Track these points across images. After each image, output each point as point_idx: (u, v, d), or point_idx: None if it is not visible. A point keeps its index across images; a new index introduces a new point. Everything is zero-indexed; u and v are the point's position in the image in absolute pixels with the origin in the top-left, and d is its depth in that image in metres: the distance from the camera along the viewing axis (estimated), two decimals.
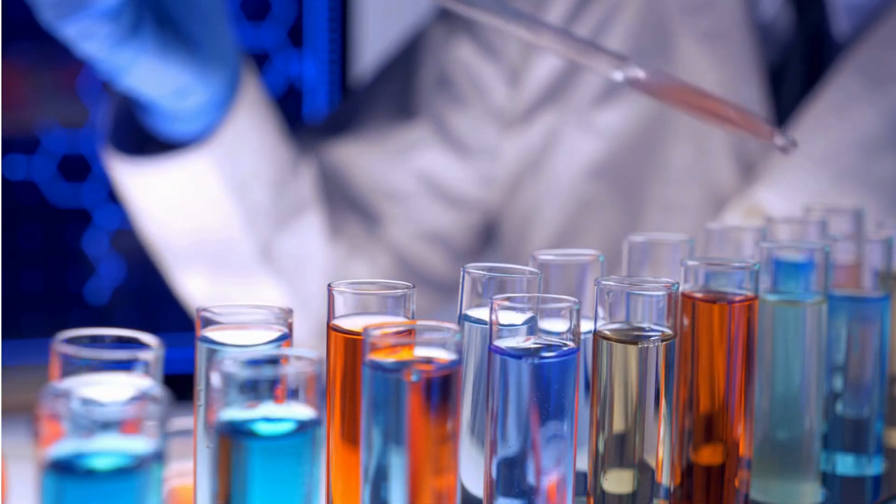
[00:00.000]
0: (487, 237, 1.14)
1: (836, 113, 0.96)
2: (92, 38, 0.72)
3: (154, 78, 0.79)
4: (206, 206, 0.94)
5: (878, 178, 0.94)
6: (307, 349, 0.48)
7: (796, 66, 1.01)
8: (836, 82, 0.97)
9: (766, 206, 0.93)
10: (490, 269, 0.58)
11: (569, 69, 1.06)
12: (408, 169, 1.08)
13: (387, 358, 0.50)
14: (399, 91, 1.09)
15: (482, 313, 0.57)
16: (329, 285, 0.57)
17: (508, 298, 0.55)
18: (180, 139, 0.91)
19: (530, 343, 0.54)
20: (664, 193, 1.02)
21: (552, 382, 0.53)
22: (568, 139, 1.06)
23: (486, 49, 1.08)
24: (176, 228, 0.96)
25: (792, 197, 0.91)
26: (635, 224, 1.02)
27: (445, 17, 1.10)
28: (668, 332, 0.56)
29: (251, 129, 0.92)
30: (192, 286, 1.01)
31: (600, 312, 0.56)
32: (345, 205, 1.08)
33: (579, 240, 1.04)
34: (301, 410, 0.47)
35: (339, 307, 0.56)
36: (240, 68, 0.90)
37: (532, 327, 0.54)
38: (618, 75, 0.67)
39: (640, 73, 0.67)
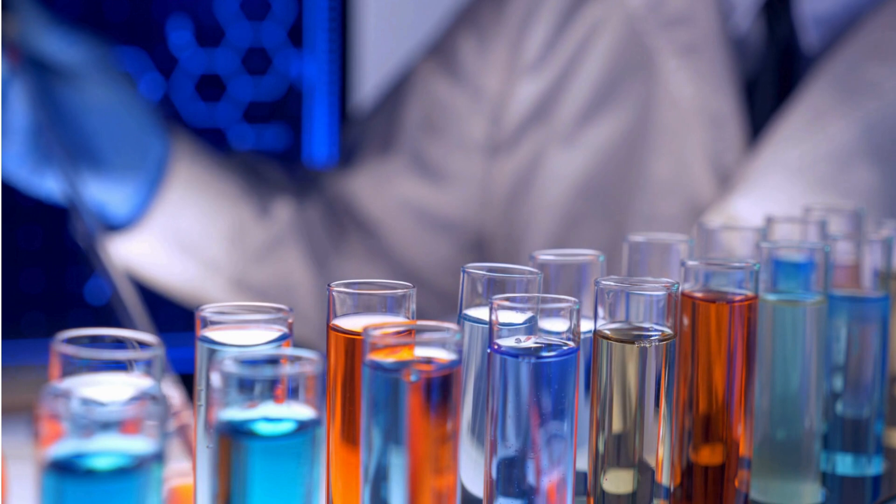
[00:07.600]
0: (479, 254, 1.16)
1: (809, 125, 0.97)
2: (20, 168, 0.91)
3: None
4: (162, 268, 1.05)
5: (851, 188, 0.95)
6: (307, 349, 0.48)
7: (769, 79, 1.03)
8: (808, 95, 0.98)
9: (741, 215, 0.94)
10: (490, 269, 0.58)
11: (551, 91, 1.09)
12: (391, 199, 1.12)
13: (387, 358, 0.50)
14: (384, 128, 1.14)
15: (482, 313, 0.57)
16: (329, 285, 0.57)
17: (508, 298, 0.55)
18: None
19: (530, 343, 0.54)
20: (646, 206, 1.05)
21: (552, 382, 0.53)
22: (553, 157, 1.08)
23: (466, 87, 1.11)
24: (153, 279, 1.09)
25: (766, 206, 0.92)
26: (619, 236, 1.03)
27: (433, 54, 1.14)
28: (668, 331, 0.56)
29: (189, 202, 1.02)
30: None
31: (600, 312, 0.56)
32: (351, 232, 1.13)
33: None
34: (301, 410, 0.47)
35: (339, 307, 0.56)
36: (167, 150, 0.99)
37: (532, 327, 0.54)
38: None
39: None
